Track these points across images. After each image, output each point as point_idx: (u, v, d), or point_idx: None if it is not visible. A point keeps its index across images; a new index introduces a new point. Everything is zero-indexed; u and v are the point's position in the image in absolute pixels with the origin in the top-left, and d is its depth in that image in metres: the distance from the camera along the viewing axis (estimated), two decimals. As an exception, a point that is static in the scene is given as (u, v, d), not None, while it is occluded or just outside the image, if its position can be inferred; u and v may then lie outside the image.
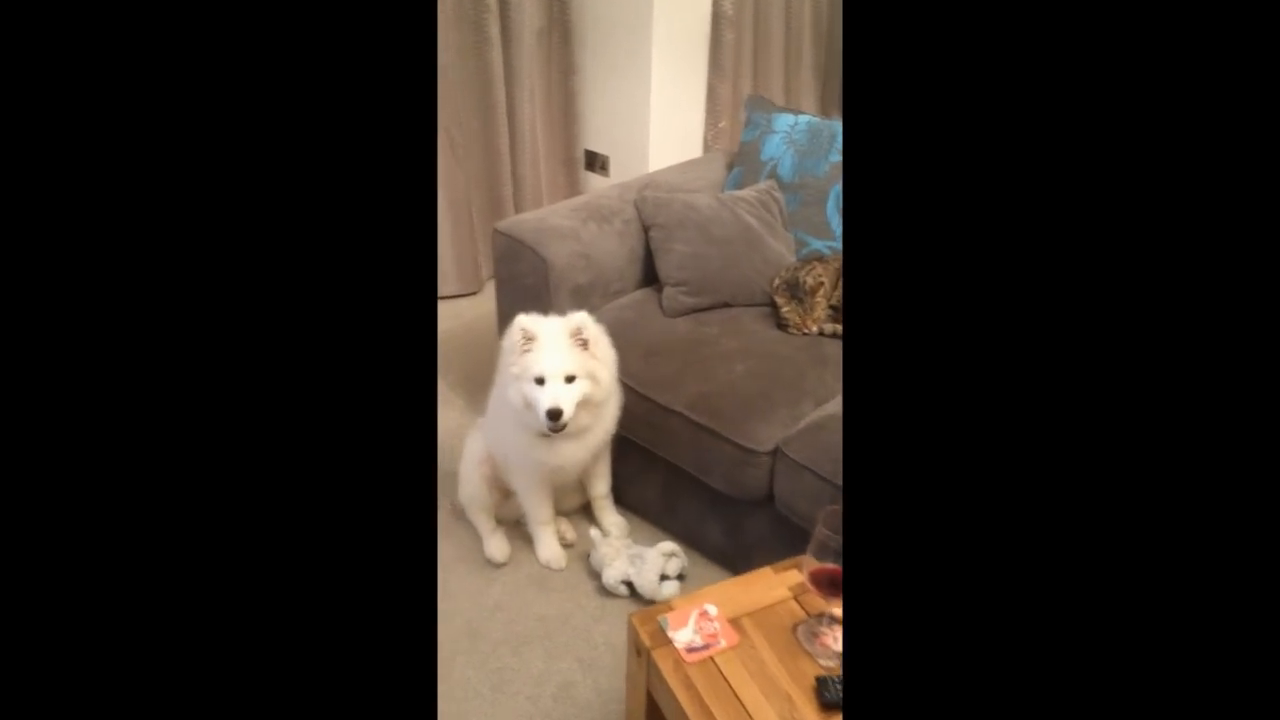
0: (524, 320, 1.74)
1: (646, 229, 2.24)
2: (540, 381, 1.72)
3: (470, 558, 2.04)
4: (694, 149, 3.47)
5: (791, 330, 2.05)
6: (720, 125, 3.51)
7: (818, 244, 2.29)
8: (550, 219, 2.15)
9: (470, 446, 2.10)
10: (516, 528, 2.11)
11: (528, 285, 2.11)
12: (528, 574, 2.00)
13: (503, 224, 2.14)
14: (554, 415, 1.70)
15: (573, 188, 3.57)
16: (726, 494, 1.86)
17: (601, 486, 2.10)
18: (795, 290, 2.06)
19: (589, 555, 2.01)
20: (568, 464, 1.91)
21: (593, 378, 1.75)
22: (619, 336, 1.89)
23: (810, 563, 1.31)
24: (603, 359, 1.79)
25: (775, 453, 1.75)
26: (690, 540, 2.02)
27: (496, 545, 2.04)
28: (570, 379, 1.72)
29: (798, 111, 2.41)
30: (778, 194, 2.30)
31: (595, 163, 3.53)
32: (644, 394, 1.92)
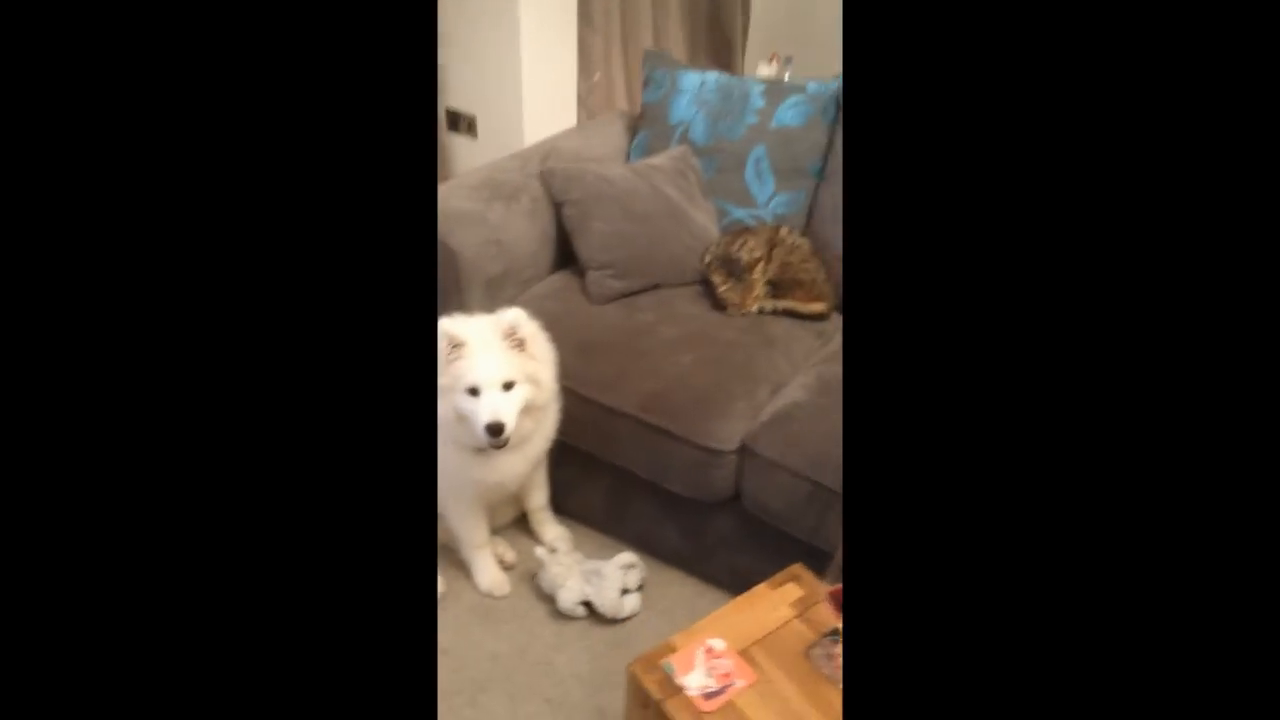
0: (447, 325, 1.50)
1: (558, 206, 2.01)
2: (474, 392, 1.49)
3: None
4: (568, 107, 3.23)
5: (731, 311, 1.91)
6: (595, 79, 3.27)
7: (739, 213, 2.15)
8: (450, 200, 1.88)
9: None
10: (445, 554, 1.88)
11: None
12: (469, 606, 1.79)
13: (397, 210, 1.85)
14: (495, 430, 1.48)
15: (437, 152, 3.23)
16: (686, 496, 1.72)
17: (539, 497, 1.90)
18: (732, 267, 1.92)
19: (535, 576, 1.82)
20: (508, 479, 1.70)
21: (533, 381, 1.55)
22: (546, 331, 1.68)
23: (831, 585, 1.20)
24: (541, 359, 1.59)
25: (742, 450, 1.63)
26: (644, 545, 1.88)
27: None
28: (508, 386, 1.51)
29: (702, 69, 2.24)
30: (693, 160, 2.14)
31: (460, 123, 3.21)
32: (586, 396, 1.72)
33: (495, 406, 1.49)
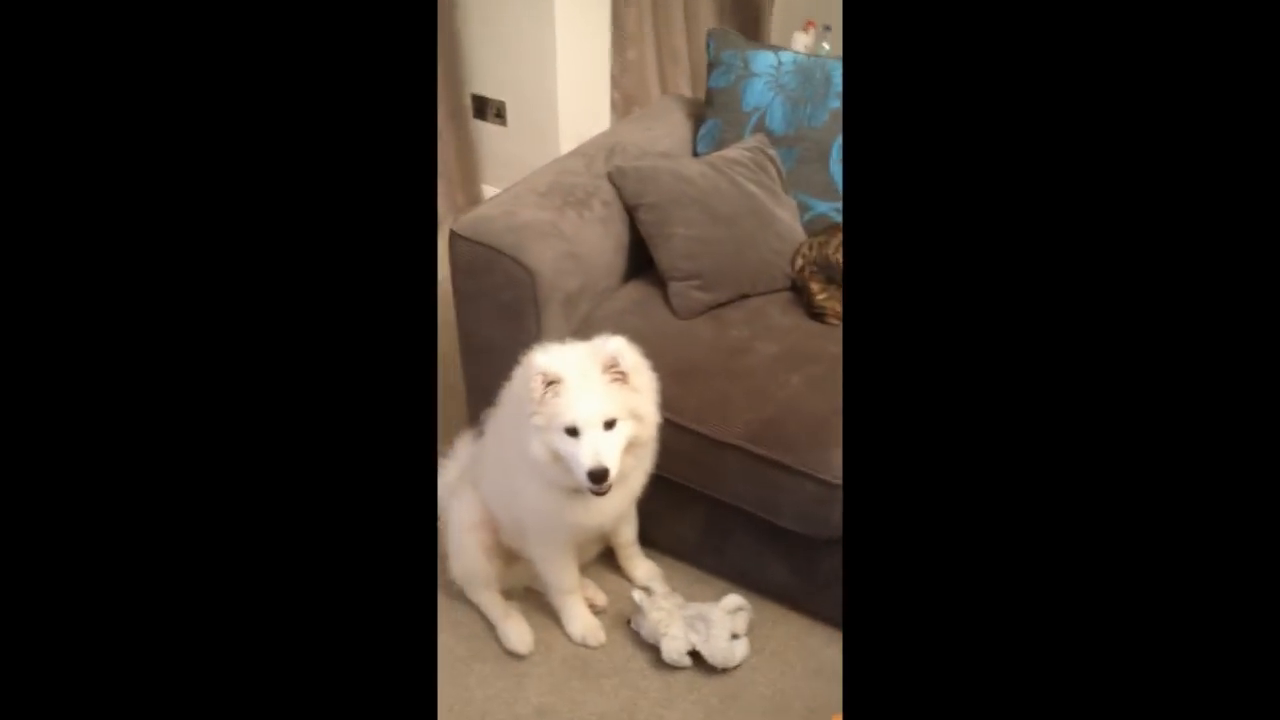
0: (543, 362, 1.33)
1: (632, 210, 1.83)
2: (573, 432, 1.33)
3: (486, 652, 1.64)
4: (600, 89, 3.02)
5: (830, 320, 1.74)
6: (628, 57, 3.06)
7: (823, 207, 1.97)
8: (520, 211, 1.69)
9: (457, 512, 1.67)
10: (529, 600, 1.72)
11: (504, 301, 1.65)
12: (563, 659, 1.64)
13: (462, 225, 1.66)
14: (599, 476, 1.32)
15: (463, 140, 3.02)
16: (801, 534, 1.56)
17: (629, 532, 1.74)
18: (830, 272, 1.74)
19: (630, 621, 1.67)
20: (606, 520, 1.54)
21: (636, 417, 1.37)
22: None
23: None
24: (644, 391, 1.40)
25: (868, 484, 1.47)
26: (744, 581, 1.72)
27: (516, 631, 1.65)
28: (610, 424, 1.34)
29: (777, 48, 2.04)
30: (771, 151, 1.95)
31: (488, 110, 3.00)
32: (687, 426, 1.56)
33: (598, 449, 1.32)
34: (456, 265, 1.68)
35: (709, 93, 2.08)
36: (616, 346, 1.35)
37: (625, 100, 3.16)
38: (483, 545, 1.65)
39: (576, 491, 1.41)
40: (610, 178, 1.85)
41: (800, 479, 1.49)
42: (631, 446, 1.39)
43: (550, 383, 1.33)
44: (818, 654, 1.64)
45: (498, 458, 1.58)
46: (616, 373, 1.35)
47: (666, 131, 2.10)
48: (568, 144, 2.66)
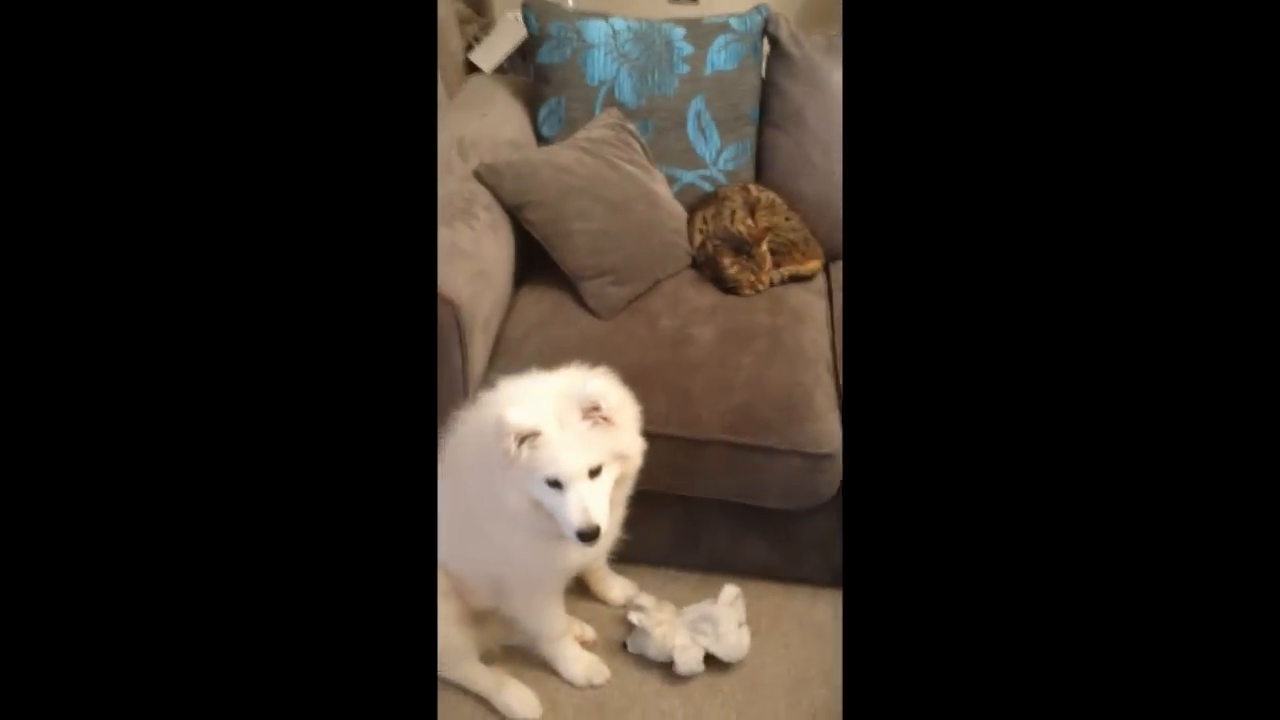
0: (515, 419, 1.15)
1: (515, 210, 1.65)
2: (556, 484, 1.19)
3: (493, 732, 1.46)
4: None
5: (745, 291, 1.72)
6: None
7: (689, 177, 1.93)
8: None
9: (413, 588, 1.44)
10: (510, 660, 1.55)
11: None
12: (576, 709, 1.50)
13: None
14: (588, 536, 1.20)
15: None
16: (780, 509, 1.56)
17: (600, 557, 1.62)
18: (736, 243, 1.72)
19: (627, 644, 1.57)
20: (594, 555, 1.42)
21: (619, 457, 1.26)
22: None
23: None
24: (628, 426, 1.28)
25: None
26: (722, 567, 1.69)
27: (518, 697, 1.48)
28: (595, 471, 1.22)
29: (606, 15, 1.93)
30: (630, 126, 1.86)
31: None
32: (659, 433, 1.46)
33: (585, 506, 1.18)
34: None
35: (540, 69, 1.93)
36: (597, 389, 1.20)
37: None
38: (454, 617, 1.45)
39: (562, 537, 1.28)
40: (479, 178, 1.65)
41: (785, 457, 1.48)
42: (618, 483, 1.28)
43: (525, 439, 1.17)
44: (807, 617, 1.66)
45: (455, 516, 1.38)
46: (599, 416, 1.22)
47: (503, 117, 1.93)
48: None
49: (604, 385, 1.21)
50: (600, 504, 1.20)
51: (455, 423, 1.37)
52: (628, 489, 1.37)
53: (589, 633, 1.60)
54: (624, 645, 1.58)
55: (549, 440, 1.16)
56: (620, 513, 1.41)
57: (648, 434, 1.44)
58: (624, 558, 1.69)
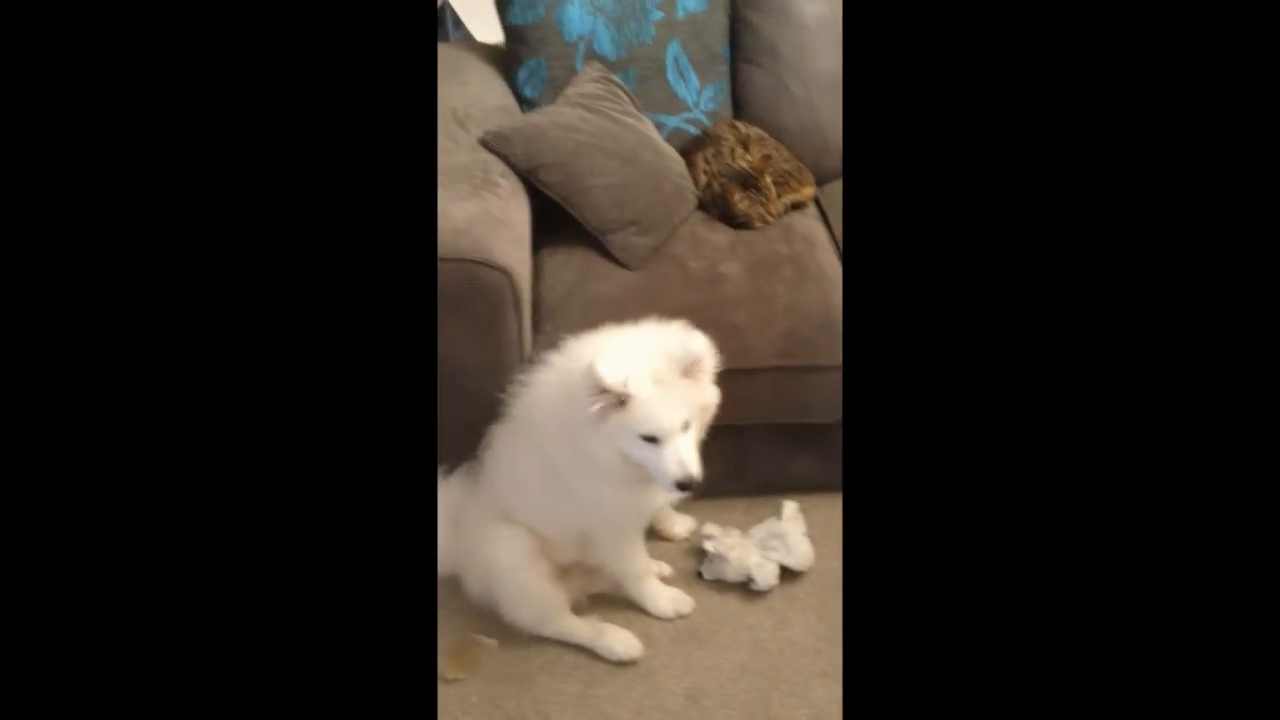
0: (608, 373, 1.20)
1: (530, 174, 1.66)
2: (651, 439, 1.26)
3: (599, 674, 1.52)
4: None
5: (757, 224, 1.79)
6: None
7: (673, 121, 1.97)
8: (448, 209, 1.45)
9: (503, 554, 1.48)
10: (594, 608, 1.62)
11: (475, 315, 1.44)
12: (672, 639, 1.58)
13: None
14: (688, 485, 1.27)
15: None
16: (823, 422, 1.66)
17: (672, 497, 1.69)
18: (742, 178, 1.78)
19: (702, 571, 1.66)
20: (675, 498, 1.49)
21: (703, 407, 1.33)
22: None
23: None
24: (709, 377, 1.35)
25: (884, 354, 1.60)
26: (774, 489, 1.78)
27: (618, 639, 1.54)
28: (686, 425, 1.28)
29: (567, -33, 1.92)
30: (614, 78, 1.88)
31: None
32: (723, 369, 1.53)
33: (683, 459, 1.25)
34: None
35: (513, 29, 1.92)
36: (700, 347, 1.26)
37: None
38: (546, 575, 1.51)
39: (650, 483, 1.35)
40: (488, 146, 1.66)
41: (832, 373, 1.58)
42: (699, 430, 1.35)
43: (622, 400, 1.22)
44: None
45: (537, 470, 1.42)
46: (696, 373, 1.28)
47: (483, 84, 1.91)
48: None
49: (704, 344, 1.27)
50: (693, 454, 1.27)
51: (525, 385, 1.41)
52: (701, 434, 1.44)
53: (665, 569, 1.68)
54: (699, 574, 1.67)
55: (646, 399, 1.21)
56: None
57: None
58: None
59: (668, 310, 1.53)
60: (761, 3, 1.95)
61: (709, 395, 1.32)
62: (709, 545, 1.64)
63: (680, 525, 1.74)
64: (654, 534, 1.74)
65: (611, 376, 1.20)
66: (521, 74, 1.93)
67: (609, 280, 1.65)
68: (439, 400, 1.54)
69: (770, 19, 1.94)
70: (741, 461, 1.76)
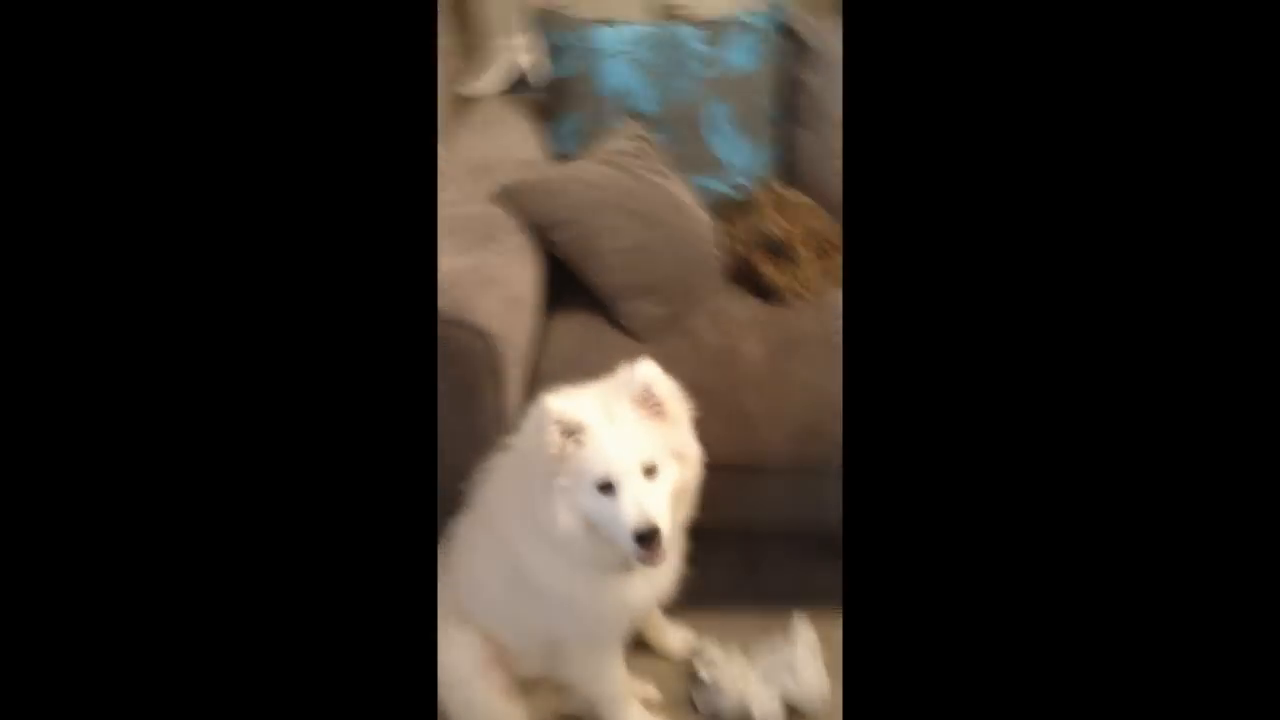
0: (556, 406, 1.05)
1: (545, 231, 1.53)
2: (606, 488, 1.06)
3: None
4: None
5: (789, 300, 1.60)
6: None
7: (713, 184, 1.82)
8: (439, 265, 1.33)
9: (453, 660, 1.29)
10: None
11: (449, 380, 1.29)
12: (650, 778, 1.35)
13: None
14: (647, 536, 1.05)
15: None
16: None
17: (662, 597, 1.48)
18: (772, 245, 1.60)
19: (695, 701, 1.43)
20: (664, 590, 1.27)
21: (678, 456, 1.12)
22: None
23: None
24: (681, 421, 1.15)
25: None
26: (789, 599, 1.54)
27: (586, 771, 1.33)
28: (650, 471, 1.08)
29: (609, 20, 1.82)
30: (646, 134, 1.74)
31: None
32: (718, 462, 1.32)
33: (641, 503, 1.05)
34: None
35: (554, 82, 1.82)
36: (648, 373, 1.09)
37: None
38: (500, 688, 1.31)
39: (624, 566, 1.14)
40: (502, 201, 1.53)
41: (858, 478, 1.35)
42: (678, 496, 1.14)
43: (571, 433, 1.05)
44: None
45: (499, 574, 1.24)
46: (653, 405, 1.09)
47: (518, 137, 1.81)
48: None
49: (653, 369, 1.09)
50: (658, 504, 1.06)
51: (489, 471, 1.24)
52: (688, 507, 1.23)
53: (652, 692, 1.45)
54: (692, 703, 1.44)
55: (596, 434, 1.05)
56: (680, 541, 1.27)
57: (704, 465, 1.31)
58: (678, 600, 1.56)
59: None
60: (819, 64, 1.79)
61: (680, 440, 1.12)
62: (704, 673, 1.41)
63: (675, 638, 1.52)
64: (642, 646, 1.52)
65: (561, 406, 1.05)
66: (560, 129, 1.82)
67: (614, 352, 1.46)
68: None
69: (828, 81, 1.78)
70: (749, 573, 1.53)
